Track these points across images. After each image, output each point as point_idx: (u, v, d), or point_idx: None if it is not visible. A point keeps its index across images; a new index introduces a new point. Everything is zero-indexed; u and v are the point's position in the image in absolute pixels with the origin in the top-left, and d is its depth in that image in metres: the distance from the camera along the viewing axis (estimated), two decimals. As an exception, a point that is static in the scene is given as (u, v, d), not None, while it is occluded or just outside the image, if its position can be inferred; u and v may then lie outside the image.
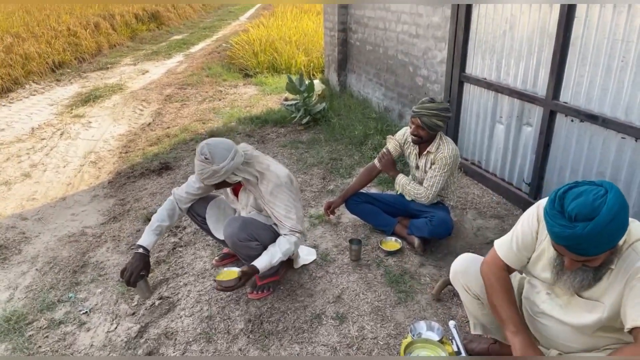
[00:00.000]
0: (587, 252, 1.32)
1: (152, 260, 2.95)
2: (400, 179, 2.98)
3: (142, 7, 16.25)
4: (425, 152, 2.88)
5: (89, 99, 7.26)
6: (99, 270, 2.92)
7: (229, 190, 2.64)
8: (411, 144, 2.95)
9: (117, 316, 2.50)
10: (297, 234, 2.39)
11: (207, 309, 2.48)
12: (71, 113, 6.56)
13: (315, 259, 2.85)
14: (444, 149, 2.79)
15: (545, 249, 1.57)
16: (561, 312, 1.58)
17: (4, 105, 7.04)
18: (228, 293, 2.56)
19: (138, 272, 2.36)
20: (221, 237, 2.55)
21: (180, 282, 2.73)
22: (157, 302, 2.57)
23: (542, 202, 1.57)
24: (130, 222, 3.50)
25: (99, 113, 6.58)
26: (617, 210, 1.26)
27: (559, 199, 1.34)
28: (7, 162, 4.79)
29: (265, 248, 2.38)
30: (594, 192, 1.30)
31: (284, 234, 2.39)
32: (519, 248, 1.65)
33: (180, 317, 2.44)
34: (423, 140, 2.83)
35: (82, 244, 3.25)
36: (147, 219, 3.48)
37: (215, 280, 2.31)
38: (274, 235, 2.45)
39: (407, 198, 2.99)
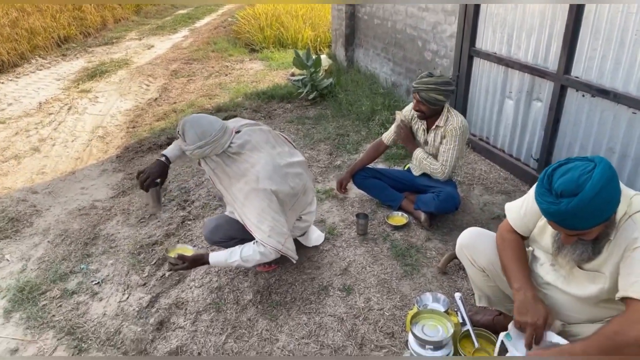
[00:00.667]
0: (575, 226, 1.35)
1: (161, 232, 3.01)
2: (418, 152, 2.94)
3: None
4: (433, 127, 2.87)
5: (95, 73, 7.24)
6: (109, 242, 2.97)
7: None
8: (418, 119, 2.94)
9: (129, 287, 2.56)
10: (269, 248, 2.13)
11: (217, 280, 2.53)
12: (78, 88, 6.55)
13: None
14: (452, 120, 2.78)
15: None
16: (564, 282, 1.61)
17: (10, 80, 7.04)
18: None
19: (155, 177, 2.28)
20: None
21: (190, 254, 2.77)
22: (167, 274, 2.61)
23: None
24: (140, 196, 3.53)
25: (106, 88, 6.57)
26: (602, 185, 1.28)
27: (547, 176, 1.37)
28: (16, 136, 4.83)
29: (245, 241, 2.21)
30: (581, 167, 1.32)
31: (254, 242, 2.17)
32: (525, 213, 1.69)
33: (190, 288, 2.49)
34: (427, 116, 2.82)
35: (92, 217, 3.29)
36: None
37: (165, 254, 2.30)
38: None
39: (416, 173, 3.00)
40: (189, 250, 2.32)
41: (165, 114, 5.37)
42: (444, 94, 2.70)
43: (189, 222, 3.11)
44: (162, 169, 2.32)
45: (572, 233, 1.40)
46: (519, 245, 1.71)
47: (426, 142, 2.95)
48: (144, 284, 2.57)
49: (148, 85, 6.69)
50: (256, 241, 2.15)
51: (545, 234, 1.64)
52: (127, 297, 2.48)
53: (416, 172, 3.04)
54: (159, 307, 2.37)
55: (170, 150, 2.38)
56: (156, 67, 7.66)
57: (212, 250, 2.37)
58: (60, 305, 2.45)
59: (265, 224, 2.12)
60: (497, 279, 1.85)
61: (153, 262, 2.73)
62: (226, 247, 2.32)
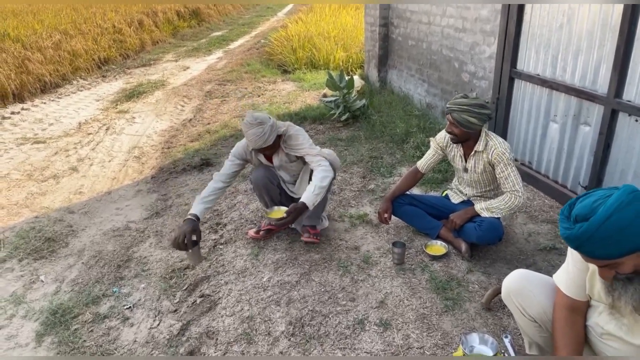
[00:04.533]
0: (595, 254, 1.30)
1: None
2: (479, 207, 2.71)
3: (184, 5, 16.54)
4: (472, 153, 2.74)
5: (132, 94, 7.43)
6: (142, 265, 2.96)
7: (262, 158, 2.97)
8: (453, 145, 2.82)
9: (160, 312, 2.51)
10: (324, 160, 2.75)
11: (248, 309, 2.45)
12: (116, 108, 6.73)
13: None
14: (495, 145, 2.63)
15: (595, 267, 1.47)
16: (628, 333, 1.47)
17: (52, 100, 7.31)
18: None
19: (190, 235, 2.53)
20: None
21: (221, 280, 2.72)
22: (198, 300, 2.56)
23: None
24: (172, 217, 3.53)
25: (143, 109, 6.72)
26: (615, 208, 1.24)
27: (570, 205, 1.37)
28: (56, 156, 4.95)
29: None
30: (600, 194, 1.31)
31: (314, 167, 2.74)
32: (572, 272, 1.57)
33: (222, 317, 2.42)
34: (459, 139, 2.69)
35: (126, 238, 3.30)
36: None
37: (267, 217, 2.69)
38: None
39: (455, 201, 2.88)
40: (282, 211, 2.75)
41: (199, 134, 5.42)
42: (478, 117, 2.57)
43: (220, 247, 3.07)
44: (194, 225, 2.59)
45: (601, 264, 1.33)
46: (568, 325, 1.58)
47: (466, 170, 2.82)
48: (175, 310, 2.52)
49: (183, 106, 6.80)
50: (315, 167, 2.73)
51: (595, 285, 1.52)
52: (158, 324, 2.43)
53: (455, 200, 2.91)
54: (189, 336, 2.31)
55: (194, 209, 2.68)
56: (191, 88, 7.81)
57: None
58: (92, 330, 2.42)
59: (312, 145, 2.84)
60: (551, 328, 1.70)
61: (185, 288, 2.69)
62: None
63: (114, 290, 2.72)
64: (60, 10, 12.43)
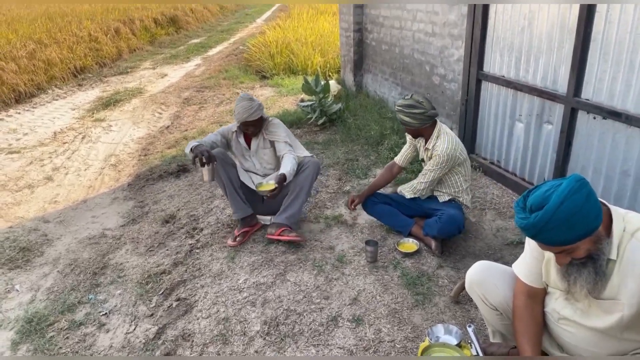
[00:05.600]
0: (551, 240, 1.36)
1: (169, 261, 3.00)
2: (403, 187, 3.07)
3: (161, 12, 16.49)
4: (425, 147, 2.90)
5: (109, 102, 7.40)
6: (118, 271, 2.97)
7: (242, 140, 3.20)
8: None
9: (136, 317, 2.53)
10: (292, 152, 3.11)
11: (224, 311, 2.49)
12: (92, 117, 6.69)
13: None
14: (439, 146, 2.78)
15: (551, 255, 1.56)
16: (583, 316, 1.54)
17: (27, 110, 7.22)
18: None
19: (210, 152, 2.86)
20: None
21: (197, 283, 2.75)
22: (174, 304, 2.59)
23: None
24: (149, 224, 3.54)
25: (119, 117, 6.69)
26: (565, 195, 1.31)
27: (523, 197, 1.43)
28: (30, 165, 4.91)
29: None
30: (551, 184, 1.38)
31: (283, 155, 3.08)
32: (529, 261, 1.66)
33: (197, 319, 2.46)
34: (413, 135, 2.93)
35: (102, 245, 3.30)
36: (165, 221, 3.53)
37: (259, 190, 2.99)
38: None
39: (407, 196, 2.99)
40: (271, 184, 3.00)
41: (177, 141, 5.43)
42: (411, 117, 2.74)
43: (197, 251, 3.10)
44: (208, 148, 2.92)
45: (556, 250, 1.41)
46: (526, 313, 1.66)
47: (423, 160, 3.02)
48: (151, 315, 2.55)
49: (161, 114, 6.80)
50: (285, 154, 3.08)
51: (551, 272, 1.60)
52: (134, 329, 2.45)
53: (408, 195, 3.00)
54: (165, 339, 2.34)
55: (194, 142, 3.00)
56: (169, 95, 7.81)
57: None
58: (68, 337, 2.43)
59: (289, 139, 3.21)
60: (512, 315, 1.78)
61: (161, 292, 2.71)
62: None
63: (90, 297, 2.73)
64: (35, 19, 12.29)
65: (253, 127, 3.10)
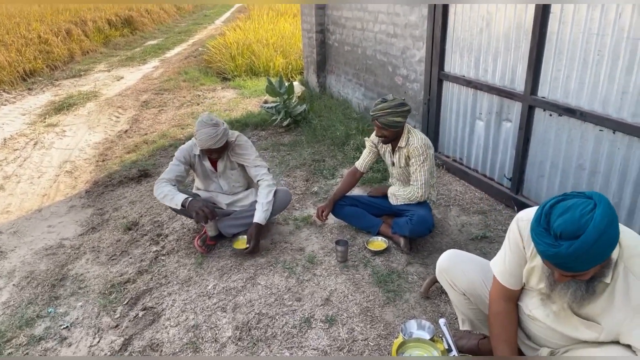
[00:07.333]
0: (574, 269, 1.27)
1: (134, 270, 2.89)
2: (390, 190, 3.01)
3: (115, 13, 15.98)
4: (397, 148, 2.91)
5: (62, 107, 7.08)
6: (78, 282, 2.83)
7: (207, 163, 3.04)
8: (382, 144, 2.98)
9: (100, 329, 2.42)
10: (267, 174, 2.98)
11: (193, 318, 2.42)
12: (44, 122, 6.38)
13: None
14: (413, 140, 2.82)
15: (537, 259, 1.51)
16: (555, 320, 1.53)
17: (-27, 116, 6.81)
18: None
19: (211, 206, 2.81)
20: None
21: (164, 291, 2.66)
22: (140, 314, 2.49)
23: (520, 216, 1.55)
24: (110, 231, 3.41)
25: (74, 121, 6.42)
26: (604, 226, 1.20)
27: (545, 215, 1.28)
28: (-22, 174, 4.62)
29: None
30: (581, 207, 1.23)
31: (259, 181, 2.96)
32: (509, 263, 1.60)
33: (166, 328, 2.38)
34: (390, 139, 2.87)
35: (60, 256, 3.14)
36: (128, 228, 3.40)
37: (235, 248, 2.91)
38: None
39: (393, 202, 2.98)
40: (243, 240, 2.94)
41: (137, 145, 5.26)
42: (401, 115, 2.75)
43: (162, 257, 3.00)
44: (204, 201, 2.87)
45: (567, 274, 1.32)
46: (504, 318, 1.63)
47: (393, 164, 3.00)
48: (116, 326, 2.44)
49: (118, 117, 6.57)
50: (260, 180, 2.97)
51: (533, 275, 1.56)
52: (98, 341, 2.35)
53: (394, 202, 3.01)
54: (132, 351, 2.25)
55: (182, 196, 2.82)
56: (126, 99, 7.56)
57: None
58: (27, 353, 2.29)
59: (259, 158, 3.07)
60: (479, 301, 1.82)
61: (125, 302, 2.61)
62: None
63: (49, 310, 2.59)
64: (-22, 20, 11.63)
65: (217, 154, 2.93)
